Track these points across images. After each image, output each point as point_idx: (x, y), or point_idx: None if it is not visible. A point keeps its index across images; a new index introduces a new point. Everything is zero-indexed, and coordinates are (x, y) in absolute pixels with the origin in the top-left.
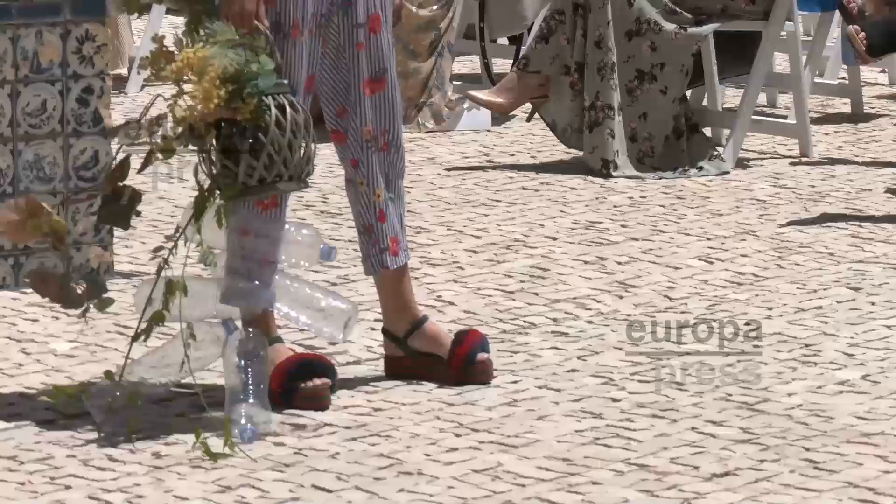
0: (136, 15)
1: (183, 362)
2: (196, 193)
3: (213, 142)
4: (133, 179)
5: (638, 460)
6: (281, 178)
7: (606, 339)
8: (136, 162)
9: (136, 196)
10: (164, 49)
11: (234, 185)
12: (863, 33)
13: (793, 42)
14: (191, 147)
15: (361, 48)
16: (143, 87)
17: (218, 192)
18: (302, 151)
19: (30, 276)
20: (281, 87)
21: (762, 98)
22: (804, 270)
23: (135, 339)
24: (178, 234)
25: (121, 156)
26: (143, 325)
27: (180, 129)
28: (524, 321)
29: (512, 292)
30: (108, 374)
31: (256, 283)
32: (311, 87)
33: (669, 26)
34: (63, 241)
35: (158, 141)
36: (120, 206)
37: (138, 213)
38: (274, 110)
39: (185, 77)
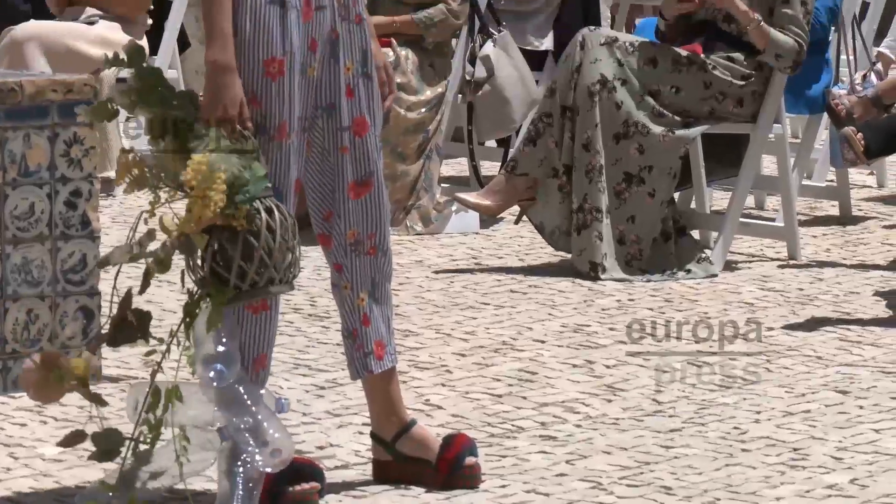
0: (113, 120)
1: (177, 467)
2: (185, 299)
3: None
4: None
5: None
6: (273, 281)
7: (595, 442)
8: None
9: (144, 317)
10: (130, 161)
11: (225, 290)
12: (860, 134)
13: (781, 144)
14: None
15: (346, 151)
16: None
17: (208, 297)
18: (290, 254)
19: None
20: (267, 191)
21: (750, 200)
22: (792, 374)
23: (132, 443)
24: (170, 339)
25: (121, 281)
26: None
27: (173, 239)
28: (512, 425)
29: (500, 396)
30: (102, 483)
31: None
32: (298, 190)
33: (657, 129)
34: (87, 384)
35: (151, 257)
36: (130, 329)
37: (149, 334)
38: (264, 214)
39: (190, 187)
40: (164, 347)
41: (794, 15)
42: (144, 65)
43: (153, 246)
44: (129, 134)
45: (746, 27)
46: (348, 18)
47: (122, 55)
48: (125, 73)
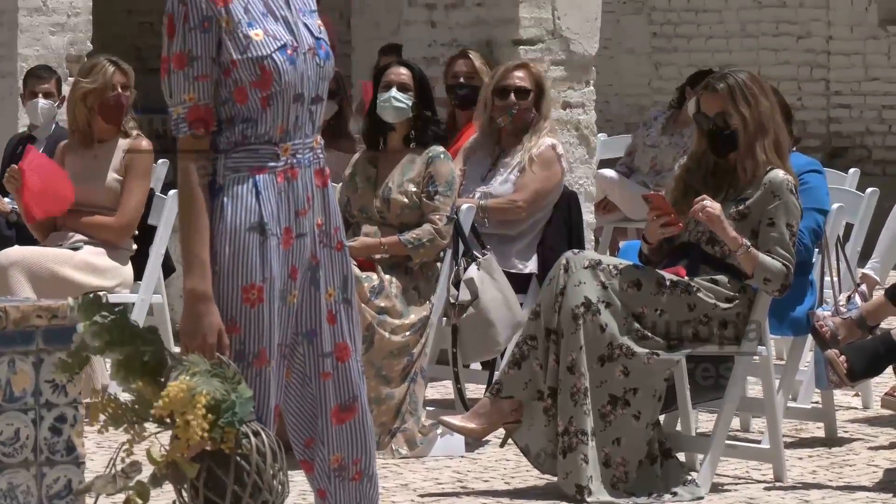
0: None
1: None
2: None
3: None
4: None
5: None
6: None
7: None
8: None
9: None
10: (103, 402)
11: None
12: (843, 357)
13: (765, 366)
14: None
15: (328, 377)
16: None
17: None
18: (280, 477)
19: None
20: (252, 414)
21: (736, 422)
22: None
23: None
24: None
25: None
26: None
27: (162, 469)
28: None
29: None
30: None
31: None
32: (278, 417)
33: (642, 351)
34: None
35: (132, 489)
36: None
37: None
38: (253, 438)
39: (169, 416)
40: None
41: (781, 237)
42: (105, 311)
43: (138, 476)
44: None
45: (735, 252)
46: (329, 245)
47: (77, 310)
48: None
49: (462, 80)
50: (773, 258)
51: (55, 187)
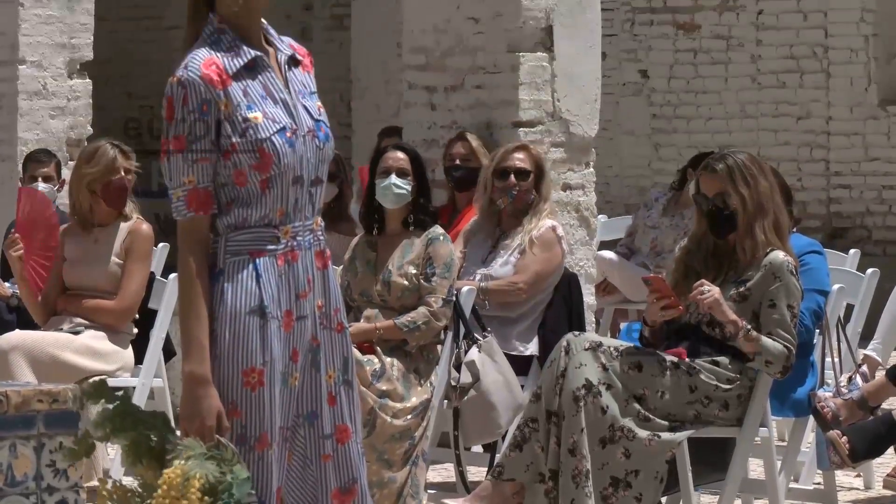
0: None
1: None
2: None
3: None
4: None
5: None
6: None
7: None
8: None
9: None
10: (110, 489)
11: None
12: (844, 437)
13: (767, 448)
14: None
15: (329, 459)
16: None
17: None
18: None
19: None
20: (251, 498)
21: None
22: None
23: None
24: None
25: None
26: None
27: None
28: None
29: None
30: None
31: None
32: (279, 500)
33: (643, 433)
34: None
35: None
36: None
37: None
38: None
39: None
40: None
41: (782, 319)
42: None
43: None
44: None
45: (735, 336)
46: (330, 327)
47: (85, 395)
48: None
49: (458, 161)
50: (774, 340)
51: (44, 215)
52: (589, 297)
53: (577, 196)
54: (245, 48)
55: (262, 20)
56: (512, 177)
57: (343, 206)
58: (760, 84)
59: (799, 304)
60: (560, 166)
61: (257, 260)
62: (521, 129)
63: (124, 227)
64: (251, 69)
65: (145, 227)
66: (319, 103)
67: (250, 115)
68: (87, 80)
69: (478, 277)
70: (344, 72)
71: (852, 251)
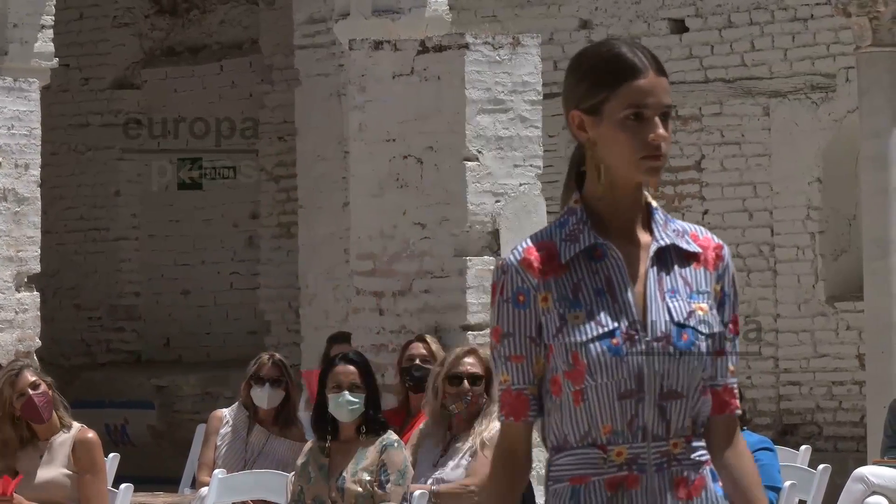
0: None
1: None
2: None
3: None
4: None
5: None
6: None
7: None
8: None
9: None
10: None
11: None
12: None
13: None
14: None
15: None
16: None
17: None
18: None
19: None
20: None
21: None
22: None
23: None
24: None
25: None
26: None
27: None
28: None
29: None
30: None
31: None
32: None
33: None
34: None
35: None
36: None
37: None
38: None
39: None
40: None
41: None
42: None
43: None
44: None
45: None
46: None
47: None
48: None
49: (418, 361)
50: None
51: None
52: (540, 500)
53: None
54: (588, 232)
55: (655, 205)
56: (465, 382)
57: (290, 411)
58: None
59: None
60: None
61: (576, 486)
62: (469, 332)
63: (68, 437)
64: (595, 258)
65: (91, 435)
66: (703, 305)
67: (570, 313)
68: (35, 292)
69: (430, 481)
70: (292, 279)
71: (803, 447)
